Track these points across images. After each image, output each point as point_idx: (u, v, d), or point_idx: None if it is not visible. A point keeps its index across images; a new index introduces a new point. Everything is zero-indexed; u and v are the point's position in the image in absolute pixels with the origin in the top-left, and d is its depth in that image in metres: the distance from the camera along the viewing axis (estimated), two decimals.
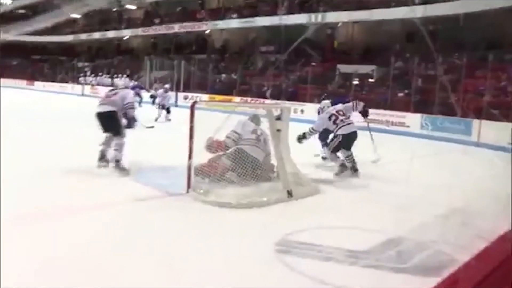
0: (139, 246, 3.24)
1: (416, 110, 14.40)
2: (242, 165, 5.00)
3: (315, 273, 2.90)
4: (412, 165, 5.98)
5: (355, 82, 18.77)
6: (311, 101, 17.50)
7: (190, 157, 4.69)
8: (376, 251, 3.38)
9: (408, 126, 14.00)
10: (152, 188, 4.80)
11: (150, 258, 3.04)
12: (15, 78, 34.76)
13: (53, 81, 32.93)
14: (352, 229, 3.92)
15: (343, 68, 20.23)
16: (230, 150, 5.27)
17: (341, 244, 3.43)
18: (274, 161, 5.19)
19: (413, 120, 13.97)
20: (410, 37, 18.93)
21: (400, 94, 16.83)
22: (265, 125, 5.35)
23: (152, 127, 9.32)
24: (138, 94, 20.23)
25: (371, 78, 19.51)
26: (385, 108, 15.26)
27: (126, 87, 6.40)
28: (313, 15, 22.05)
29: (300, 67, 21.50)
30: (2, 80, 33.15)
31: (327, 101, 7.57)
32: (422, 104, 14.87)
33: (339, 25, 22.82)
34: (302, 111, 17.10)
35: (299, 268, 2.98)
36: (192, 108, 4.78)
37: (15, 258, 2.89)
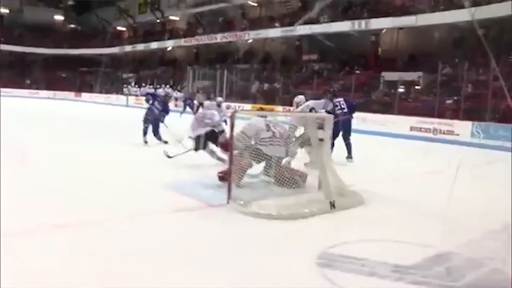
0: (179, 256, 3.24)
1: (465, 118, 13.83)
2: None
3: None
4: (461, 175, 5.69)
5: (401, 89, 18.29)
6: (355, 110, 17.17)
7: (230, 166, 4.68)
8: (423, 266, 3.20)
9: (457, 135, 13.46)
10: (193, 199, 4.80)
11: (189, 268, 3.03)
12: (64, 90, 36.44)
13: (99, 92, 34.16)
14: (397, 243, 3.74)
15: (388, 75, 19.78)
16: (246, 150, 5.27)
17: (385, 259, 3.28)
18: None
19: (463, 128, 13.43)
20: (458, 42, 18.30)
21: (449, 101, 16.23)
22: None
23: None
24: (190, 105, 20.80)
25: (418, 85, 18.95)
26: (432, 116, 14.75)
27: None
28: (356, 22, 21.76)
29: (343, 75, 21.21)
30: (53, 92, 35.00)
31: (301, 96, 7.45)
32: (472, 111, 14.26)
33: (383, 31, 22.39)
34: None
35: (340, 283, 2.87)
36: (232, 118, 4.77)
37: (63, 263, 2.96)
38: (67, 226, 3.75)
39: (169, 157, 6.78)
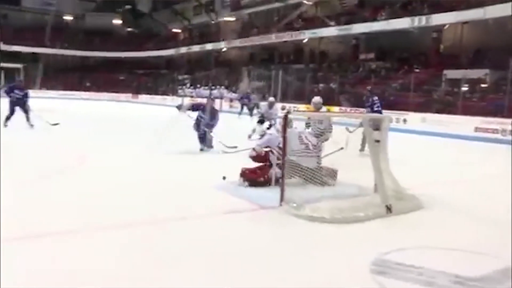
0: (232, 257, 3.24)
1: None
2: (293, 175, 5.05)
3: None
4: None
5: (464, 88, 17.39)
6: (414, 110, 16.60)
7: (283, 168, 4.64)
8: (491, 279, 2.98)
9: None
10: (246, 201, 4.80)
11: (240, 270, 3.02)
12: (122, 92, 38.03)
13: (155, 94, 35.24)
14: (459, 251, 3.51)
15: (450, 73, 18.88)
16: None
17: (446, 268, 3.09)
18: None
19: None
20: None
21: None
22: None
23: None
24: (247, 105, 20.91)
25: (484, 83, 17.91)
26: (501, 115, 13.90)
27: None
28: (416, 19, 20.91)
29: (402, 74, 20.51)
30: (111, 94, 36.74)
31: (318, 97, 8.00)
32: None
33: (446, 27, 21.37)
34: (404, 120, 16.31)
35: None
36: (285, 119, 4.73)
37: (119, 261, 3.06)
38: (122, 226, 3.88)
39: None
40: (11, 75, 36.53)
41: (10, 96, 11.27)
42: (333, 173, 5.50)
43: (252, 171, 5.47)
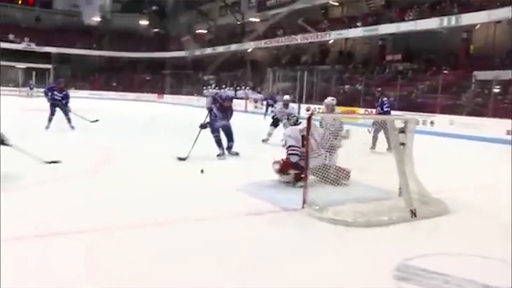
0: (251, 259, 3.23)
1: None
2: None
3: None
4: None
5: (496, 89, 16.89)
6: (442, 112, 16.23)
7: (306, 170, 4.60)
8: None
9: None
10: (268, 203, 4.77)
11: (260, 272, 3.00)
12: (148, 92, 38.71)
13: (180, 94, 35.60)
14: (487, 259, 3.37)
15: (481, 75, 18.34)
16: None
17: (474, 276, 2.97)
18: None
19: None
20: None
21: None
22: None
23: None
24: (272, 106, 20.81)
25: None
26: None
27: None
28: (445, 19, 20.44)
29: (430, 75, 20.09)
30: (137, 94, 37.45)
31: (330, 98, 8.01)
32: None
33: (476, 27, 20.81)
34: (431, 123, 15.98)
35: None
36: (309, 120, 4.69)
37: (140, 261, 3.10)
38: (143, 226, 3.92)
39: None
40: (42, 76, 37.81)
41: (48, 97, 11.19)
42: (345, 174, 5.44)
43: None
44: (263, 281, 2.88)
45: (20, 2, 41.94)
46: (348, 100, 21.41)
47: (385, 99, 9.83)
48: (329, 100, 7.56)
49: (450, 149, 11.88)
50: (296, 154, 5.47)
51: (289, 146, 5.61)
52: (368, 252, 3.50)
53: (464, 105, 17.27)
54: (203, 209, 4.52)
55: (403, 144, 4.75)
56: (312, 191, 4.53)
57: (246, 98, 26.88)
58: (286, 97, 10.82)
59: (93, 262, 3.07)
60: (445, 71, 20.38)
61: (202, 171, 6.10)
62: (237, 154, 7.91)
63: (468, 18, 19.55)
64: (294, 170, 5.43)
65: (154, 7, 43.53)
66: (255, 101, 26.63)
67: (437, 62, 21.79)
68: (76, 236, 3.54)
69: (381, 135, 8.61)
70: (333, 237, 3.84)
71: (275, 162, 5.56)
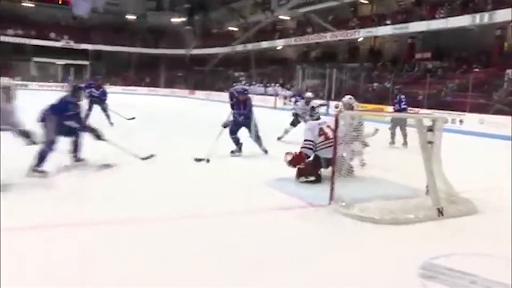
0: (277, 253, 3.31)
1: None
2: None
3: None
4: None
5: None
6: (471, 111, 15.91)
7: (333, 166, 4.65)
8: None
9: None
10: (295, 198, 4.84)
11: (286, 266, 3.08)
12: (179, 88, 39.21)
13: (211, 90, 35.91)
14: None
15: None
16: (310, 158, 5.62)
17: (500, 277, 2.96)
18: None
19: None
20: None
21: None
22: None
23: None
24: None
25: None
26: None
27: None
28: (478, 16, 19.94)
29: (460, 73, 19.67)
30: (169, 90, 38.03)
31: (348, 96, 7.65)
32: None
33: (511, 24, 20.23)
34: (461, 121, 15.69)
35: None
36: (337, 117, 4.74)
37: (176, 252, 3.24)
38: (171, 220, 4.07)
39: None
40: (79, 72, 39.01)
41: (86, 93, 10.69)
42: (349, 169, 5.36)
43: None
44: (286, 275, 2.95)
45: (60, 1, 43.09)
46: (377, 98, 21.19)
47: (402, 96, 10.50)
48: (347, 99, 7.43)
49: (479, 148, 11.65)
50: (311, 149, 5.60)
51: (305, 140, 5.70)
52: (394, 250, 3.53)
53: (495, 104, 16.86)
54: (231, 203, 4.63)
55: (431, 142, 4.74)
56: (339, 187, 4.56)
57: (276, 95, 26.94)
58: (308, 94, 10.75)
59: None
60: (476, 69, 19.92)
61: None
62: (266, 152, 7.70)
63: (503, 15, 19.01)
64: (304, 164, 5.53)
65: (186, 5, 43.93)
66: (284, 97, 26.68)
67: (468, 60, 21.31)
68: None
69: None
70: (359, 234, 3.88)
71: (288, 153, 5.64)
